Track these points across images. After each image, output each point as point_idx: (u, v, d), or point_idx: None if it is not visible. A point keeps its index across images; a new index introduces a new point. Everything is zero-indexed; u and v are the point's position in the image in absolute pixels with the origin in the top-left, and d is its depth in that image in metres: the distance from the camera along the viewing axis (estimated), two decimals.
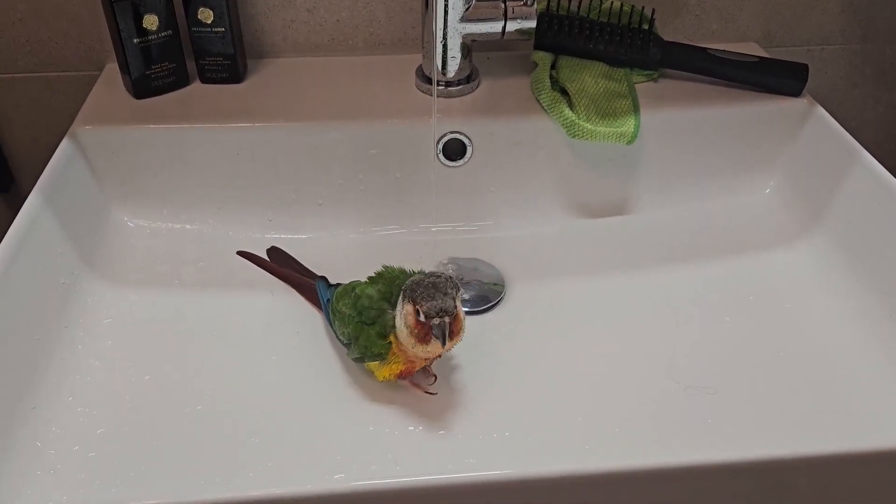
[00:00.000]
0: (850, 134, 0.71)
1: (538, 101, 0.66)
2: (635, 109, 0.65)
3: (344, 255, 0.64)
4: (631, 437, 0.50)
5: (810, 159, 0.67)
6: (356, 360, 0.53)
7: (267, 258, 0.63)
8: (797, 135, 0.68)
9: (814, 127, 0.67)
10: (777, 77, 0.68)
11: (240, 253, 0.63)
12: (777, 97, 0.68)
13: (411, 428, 0.50)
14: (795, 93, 0.68)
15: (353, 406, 0.52)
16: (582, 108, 0.64)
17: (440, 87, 0.67)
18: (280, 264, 0.62)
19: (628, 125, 0.63)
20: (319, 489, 0.44)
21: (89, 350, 0.54)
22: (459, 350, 0.52)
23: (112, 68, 0.70)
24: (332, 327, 0.55)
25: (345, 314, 0.53)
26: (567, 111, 0.64)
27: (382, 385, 0.52)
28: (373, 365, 0.51)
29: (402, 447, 0.49)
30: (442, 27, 0.63)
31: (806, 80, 0.67)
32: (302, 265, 0.62)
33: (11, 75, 0.72)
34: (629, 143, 0.63)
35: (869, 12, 0.75)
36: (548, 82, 0.66)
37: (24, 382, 0.50)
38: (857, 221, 0.61)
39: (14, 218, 0.54)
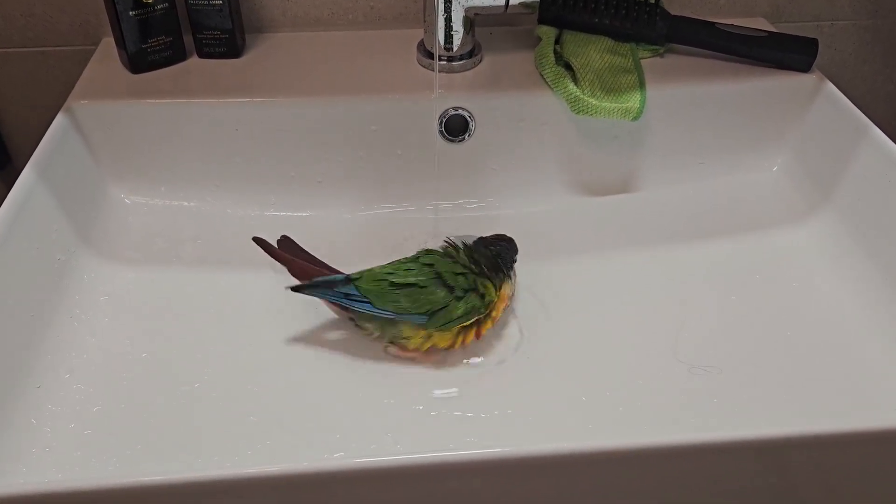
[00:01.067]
0: (861, 110, 0.69)
1: (542, 76, 0.64)
2: (641, 85, 0.63)
3: (344, 233, 0.64)
4: (635, 416, 0.49)
5: (819, 136, 0.65)
6: (461, 316, 0.52)
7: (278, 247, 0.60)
8: (806, 111, 0.66)
9: (823, 103, 0.65)
10: (786, 52, 0.66)
11: (255, 239, 0.60)
12: (786, 73, 0.66)
13: (411, 407, 0.50)
14: (804, 68, 0.66)
15: (353, 386, 0.51)
16: (587, 84, 0.63)
17: (442, 63, 0.66)
18: (293, 255, 0.59)
19: (634, 101, 0.62)
20: (318, 467, 0.43)
21: (86, 327, 0.54)
22: None
23: (108, 42, 0.69)
24: (369, 310, 0.52)
25: (415, 282, 0.52)
26: (571, 86, 0.62)
27: (382, 365, 0.52)
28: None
29: (401, 426, 0.48)
30: (444, 0, 0.62)
31: (815, 55, 0.66)
32: (316, 258, 0.59)
33: (5, 50, 0.70)
34: (634, 119, 0.62)
35: None
36: (552, 57, 0.65)
37: (19, 360, 0.49)
38: (866, 199, 0.60)
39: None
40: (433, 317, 0.51)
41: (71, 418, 0.48)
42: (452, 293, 0.52)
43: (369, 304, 0.52)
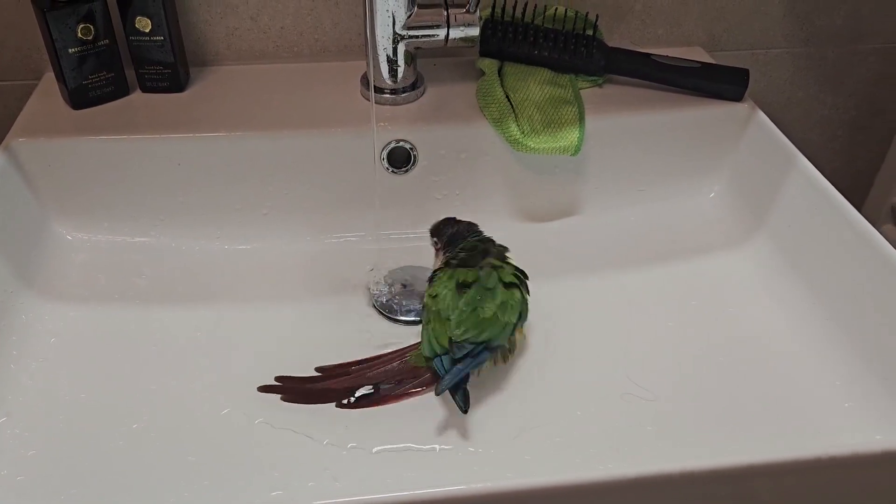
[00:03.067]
0: (796, 135, 0.71)
1: (484, 114, 0.66)
2: (580, 118, 0.65)
3: (290, 265, 0.64)
4: (570, 448, 0.50)
5: (752, 163, 0.68)
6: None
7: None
8: (739, 139, 0.68)
9: (755, 131, 0.67)
10: (719, 82, 0.68)
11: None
12: (720, 102, 0.68)
13: (349, 443, 0.50)
14: (737, 97, 0.68)
15: (291, 422, 0.51)
16: (525, 119, 0.64)
17: (386, 95, 0.67)
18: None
19: (571, 138, 0.63)
20: None
21: (23, 369, 0.53)
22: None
23: (50, 77, 0.68)
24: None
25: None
26: (513, 128, 0.63)
27: (323, 403, 0.52)
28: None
29: (340, 463, 0.49)
30: (383, 36, 0.63)
31: (747, 85, 0.68)
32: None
33: None
34: (573, 154, 0.63)
35: (810, 17, 0.77)
36: (497, 94, 0.65)
37: None
38: (795, 224, 0.62)
39: None
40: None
41: (3, 464, 0.47)
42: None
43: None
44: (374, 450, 0.49)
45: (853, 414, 0.52)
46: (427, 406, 0.53)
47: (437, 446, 0.50)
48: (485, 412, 0.52)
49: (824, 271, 0.59)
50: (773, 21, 0.76)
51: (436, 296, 0.54)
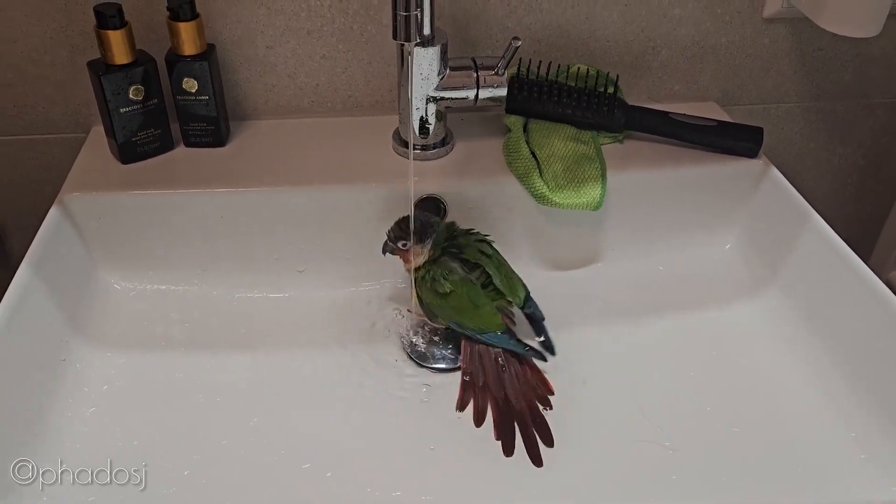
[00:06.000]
0: (808, 183, 0.73)
1: (510, 169, 0.69)
2: (602, 175, 0.68)
3: (327, 312, 0.67)
4: (583, 494, 0.52)
5: (765, 217, 0.71)
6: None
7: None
8: (754, 194, 0.72)
9: (768, 187, 0.70)
10: (734, 139, 0.71)
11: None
12: (735, 158, 0.72)
13: (382, 486, 0.53)
14: (752, 154, 0.71)
15: (340, 470, 0.54)
16: (550, 176, 0.67)
17: (416, 151, 0.70)
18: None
19: (594, 194, 0.66)
20: None
21: (78, 416, 0.56)
22: (416, 403, 0.58)
23: (98, 131, 0.72)
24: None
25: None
26: (538, 183, 0.67)
27: (367, 450, 0.56)
28: None
29: None
30: (417, 97, 0.66)
31: (761, 143, 0.71)
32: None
33: None
34: (595, 209, 0.66)
35: (819, 74, 0.80)
36: (523, 151, 0.69)
37: (14, 454, 0.51)
38: (807, 278, 0.65)
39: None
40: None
41: None
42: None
43: None
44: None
45: (868, 465, 0.54)
46: (437, 453, 0.55)
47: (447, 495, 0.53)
48: (496, 457, 0.55)
49: (835, 323, 0.62)
50: (784, 78, 0.80)
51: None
